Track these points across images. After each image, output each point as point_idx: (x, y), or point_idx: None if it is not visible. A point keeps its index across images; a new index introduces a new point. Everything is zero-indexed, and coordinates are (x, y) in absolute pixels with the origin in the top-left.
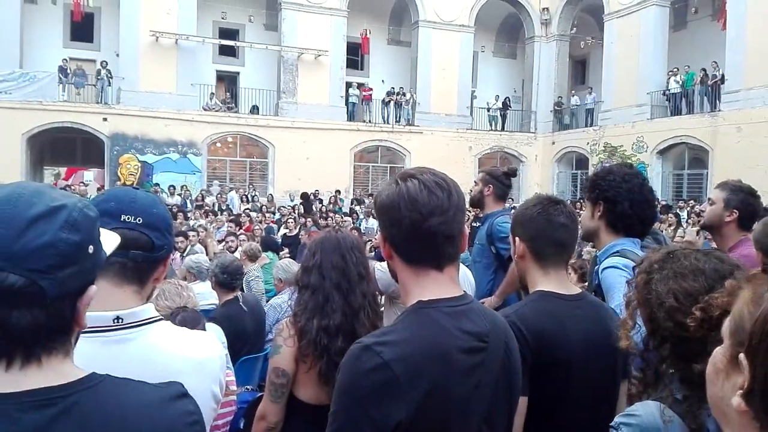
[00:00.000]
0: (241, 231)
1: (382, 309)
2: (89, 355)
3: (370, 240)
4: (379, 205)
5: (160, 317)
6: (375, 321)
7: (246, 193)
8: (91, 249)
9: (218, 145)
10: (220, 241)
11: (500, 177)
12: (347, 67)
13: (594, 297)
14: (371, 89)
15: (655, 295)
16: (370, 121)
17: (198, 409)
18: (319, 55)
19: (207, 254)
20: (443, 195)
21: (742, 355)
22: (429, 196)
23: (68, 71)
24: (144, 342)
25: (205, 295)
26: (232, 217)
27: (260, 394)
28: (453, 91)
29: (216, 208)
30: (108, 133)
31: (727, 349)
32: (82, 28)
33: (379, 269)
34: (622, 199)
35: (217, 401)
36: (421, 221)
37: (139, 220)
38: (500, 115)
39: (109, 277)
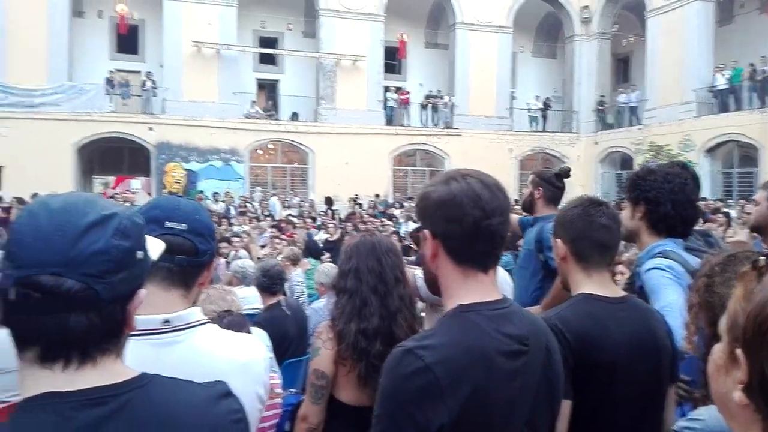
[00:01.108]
0: (283, 236)
1: (423, 314)
2: (140, 357)
3: (409, 244)
4: (434, 201)
5: (207, 320)
6: (413, 324)
7: (287, 199)
8: (139, 255)
9: (260, 152)
10: (262, 246)
11: (551, 179)
12: (385, 71)
13: (638, 299)
14: (409, 93)
15: (717, 298)
16: (408, 125)
17: (242, 407)
18: (357, 61)
19: (251, 259)
20: (502, 195)
21: (738, 350)
22: (492, 195)
23: (115, 83)
24: (191, 344)
25: (250, 299)
26: (274, 223)
27: (304, 397)
28: (492, 93)
29: (258, 214)
30: (154, 143)
31: (725, 345)
32: (127, 41)
33: (421, 276)
34: (665, 200)
35: (262, 402)
36: (483, 219)
37: (184, 227)
38: (541, 115)
39: (157, 282)
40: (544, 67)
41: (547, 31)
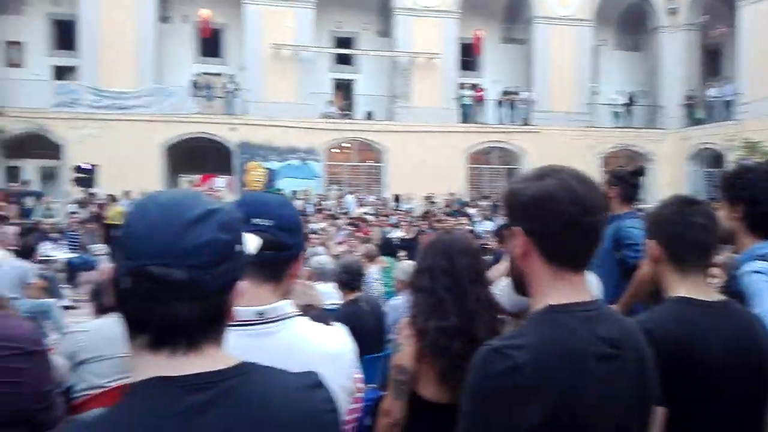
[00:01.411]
0: (358, 233)
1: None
2: (237, 346)
3: (487, 243)
4: (527, 198)
5: (298, 312)
6: (494, 325)
7: (362, 197)
8: (238, 248)
9: (336, 150)
10: (339, 243)
11: (626, 177)
12: (460, 68)
13: (738, 304)
14: (484, 90)
15: None
16: (484, 122)
17: (334, 398)
18: (432, 58)
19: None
20: (598, 192)
21: None
22: (589, 191)
23: (199, 85)
24: (284, 335)
25: (328, 294)
26: (350, 220)
27: (384, 393)
28: (572, 88)
29: (334, 212)
30: (236, 142)
31: None
32: (210, 44)
33: (498, 292)
34: (764, 200)
35: (350, 394)
36: (580, 217)
37: (270, 223)
38: (625, 111)
39: (248, 277)
40: (628, 61)
41: (630, 23)
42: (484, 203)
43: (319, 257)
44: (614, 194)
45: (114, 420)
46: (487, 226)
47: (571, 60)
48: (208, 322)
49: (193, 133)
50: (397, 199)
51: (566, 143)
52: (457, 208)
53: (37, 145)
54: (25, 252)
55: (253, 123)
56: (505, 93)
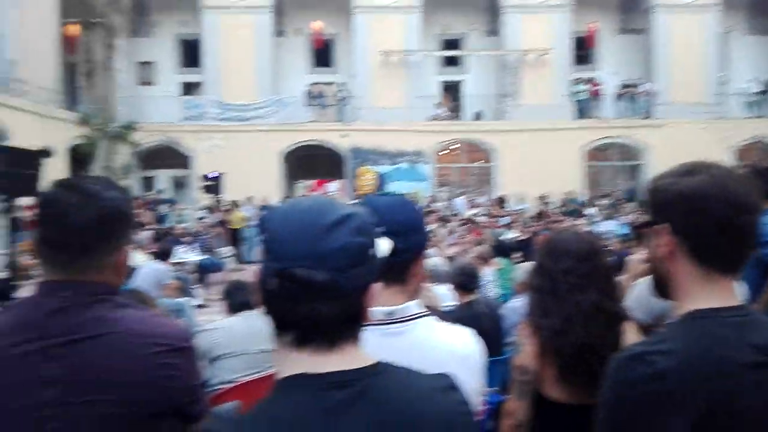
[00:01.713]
0: (470, 235)
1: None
2: (370, 346)
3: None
4: (676, 194)
5: (427, 312)
6: (616, 330)
7: (473, 198)
8: (372, 251)
9: (444, 152)
10: (451, 246)
11: (764, 171)
12: (574, 62)
13: None
14: (601, 83)
15: None
16: (601, 117)
17: (465, 399)
18: (543, 54)
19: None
20: (752, 190)
21: None
22: (743, 189)
23: (312, 94)
24: (413, 335)
25: (444, 296)
26: (461, 222)
27: (505, 397)
28: (698, 78)
29: (445, 214)
30: (347, 148)
31: None
32: (322, 55)
33: (632, 299)
34: None
35: (479, 396)
36: (734, 216)
37: (381, 229)
38: (760, 100)
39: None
40: (762, 46)
41: (763, 5)
42: (603, 202)
43: (432, 259)
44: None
45: (262, 415)
46: (607, 227)
47: (696, 48)
48: (347, 322)
49: (308, 140)
50: (501, 201)
51: (693, 136)
52: (573, 208)
53: (169, 156)
54: (162, 255)
55: (364, 129)
56: (624, 86)
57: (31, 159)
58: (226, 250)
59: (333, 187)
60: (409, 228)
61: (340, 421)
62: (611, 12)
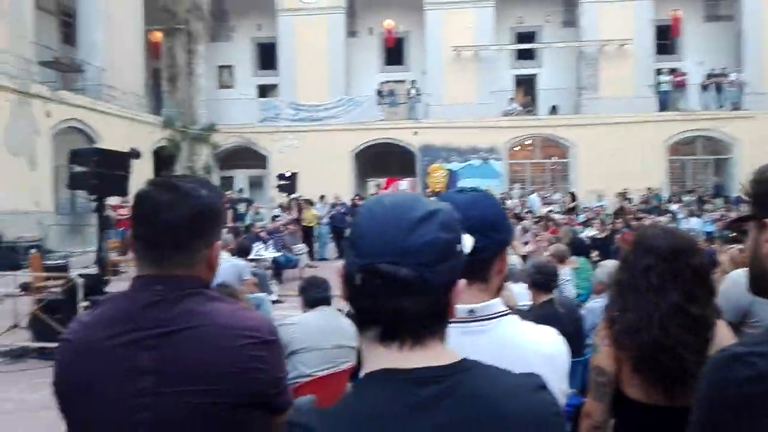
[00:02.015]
0: (545, 233)
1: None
2: (451, 343)
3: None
4: None
5: (509, 311)
6: (701, 333)
7: (547, 195)
8: (458, 247)
9: (518, 148)
10: (525, 244)
11: None
12: (656, 52)
13: None
14: (685, 74)
15: None
16: (685, 110)
17: (555, 400)
18: (623, 45)
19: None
20: None
21: None
22: None
23: (383, 93)
24: (497, 334)
25: (521, 295)
26: (536, 219)
27: (585, 399)
28: None
29: (518, 211)
30: (418, 146)
31: None
32: (393, 53)
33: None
34: None
35: (565, 397)
36: None
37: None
38: None
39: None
40: None
41: None
42: (687, 199)
43: (508, 257)
44: None
45: (348, 409)
46: (691, 224)
47: None
48: (432, 318)
49: (379, 139)
50: (574, 197)
51: None
52: (655, 205)
53: (246, 156)
54: (241, 251)
55: (435, 126)
56: (711, 76)
57: (121, 160)
58: (300, 247)
59: (404, 185)
60: (489, 224)
61: (428, 417)
62: None
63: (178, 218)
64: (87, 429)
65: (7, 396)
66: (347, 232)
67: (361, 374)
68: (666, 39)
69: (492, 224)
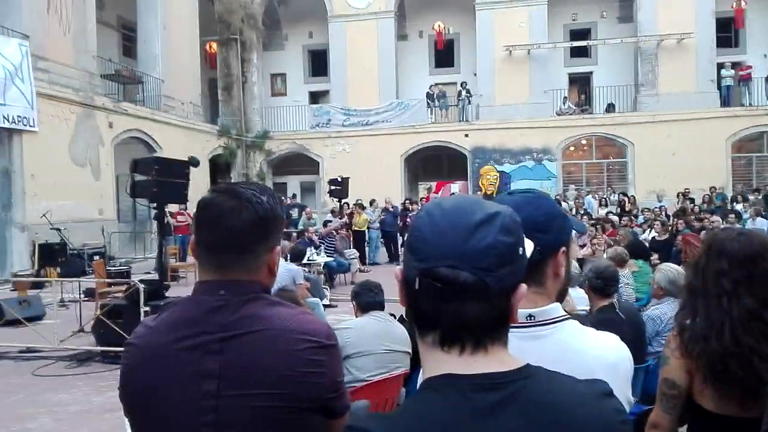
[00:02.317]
0: (602, 235)
1: None
2: (510, 349)
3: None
4: None
5: (569, 316)
6: (754, 344)
7: (604, 196)
8: (520, 251)
9: (572, 148)
10: (582, 246)
11: None
12: (717, 46)
13: None
14: (750, 67)
15: None
16: (750, 105)
17: (623, 407)
18: (683, 39)
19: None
20: None
21: None
22: None
23: (434, 96)
24: (557, 339)
25: (579, 300)
26: (591, 222)
27: (647, 407)
28: None
29: (574, 213)
30: (469, 148)
31: None
32: (444, 55)
33: None
34: None
35: (629, 404)
36: None
37: None
38: None
39: None
40: None
41: None
42: (753, 197)
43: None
44: None
45: (409, 414)
46: (760, 223)
47: None
48: (493, 323)
49: (430, 142)
50: (627, 198)
51: None
52: (719, 205)
53: (299, 162)
54: (295, 256)
55: (486, 128)
56: None
57: (180, 169)
58: (352, 252)
59: (455, 188)
60: (534, 226)
61: (491, 424)
62: None
63: (241, 223)
64: (153, 431)
65: (72, 398)
66: (398, 236)
67: (421, 379)
68: (728, 32)
69: (538, 226)
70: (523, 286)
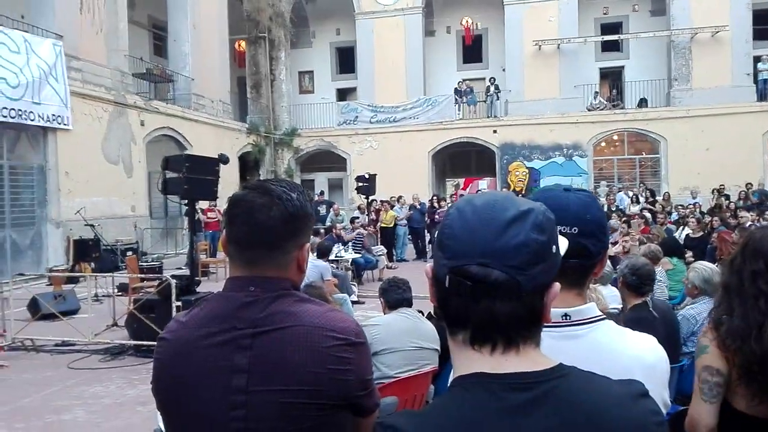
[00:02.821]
0: (634, 232)
1: None
2: (544, 348)
3: None
4: None
5: (604, 316)
6: None
7: (637, 193)
8: (554, 249)
9: (603, 144)
10: (613, 244)
11: None
12: (754, 39)
13: None
14: None
15: None
16: None
17: (659, 409)
18: (718, 32)
19: None
20: None
21: None
22: None
23: (462, 92)
24: (593, 339)
25: (612, 298)
26: (624, 218)
27: (682, 408)
28: None
29: (606, 210)
30: (498, 144)
31: None
32: (471, 50)
33: None
34: None
35: (666, 407)
36: None
37: (575, 230)
38: None
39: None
40: None
41: None
42: None
43: None
44: None
45: (440, 412)
46: None
47: None
48: (525, 322)
49: (457, 138)
50: (653, 194)
51: None
52: (755, 201)
53: (326, 159)
54: (323, 253)
55: (515, 123)
56: None
57: (210, 166)
58: (379, 249)
59: (483, 184)
60: (603, 227)
61: (522, 423)
62: None
63: (272, 220)
64: (184, 425)
65: (106, 391)
66: (425, 233)
67: (452, 377)
68: (765, 24)
69: (605, 227)
70: (557, 285)
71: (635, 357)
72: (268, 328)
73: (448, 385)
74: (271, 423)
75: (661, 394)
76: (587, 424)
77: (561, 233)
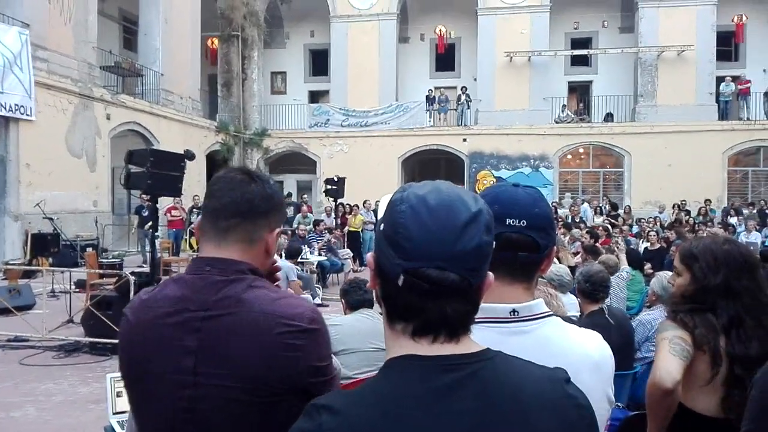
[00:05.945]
0: (596, 244)
1: None
2: (489, 343)
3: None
4: None
5: (552, 313)
6: (747, 349)
7: (599, 205)
8: (493, 245)
9: (569, 156)
10: (575, 254)
11: None
12: (717, 59)
13: None
14: (749, 81)
15: None
16: (748, 119)
17: (584, 396)
18: (683, 51)
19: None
20: None
21: None
22: None
23: (432, 99)
24: (539, 335)
25: (570, 305)
26: (587, 230)
27: (632, 413)
28: None
29: (569, 221)
30: (467, 152)
31: None
32: (444, 59)
33: None
34: None
35: (611, 404)
36: None
37: (523, 223)
38: None
39: (501, 276)
40: None
41: None
42: (747, 212)
43: (557, 267)
44: None
45: (369, 390)
46: (753, 238)
47: None
48: (470, 315)
49: (428, 145)
50: (615, 207)
51: None
52: (712, 218)
53: (296, 161)
54: (290, 254)
55: (485, 133)
56: None
57: (176, 162)
58: (345, 252)
59: None
60: (550, 222)
61: (449, 401)
62: (763, 4)
63: (249, 193)
64: (142, 402)
65: (58, 388)
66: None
67: (387, 358)
68: (728, 45)
69: (552, 223)
70: (491, 275)
71: (581, 353)
72: (218, 312)
73: (381, 366)
74: (217, 407)
75: (605, 390)
76: (509, 402)
77: (510, 225)
